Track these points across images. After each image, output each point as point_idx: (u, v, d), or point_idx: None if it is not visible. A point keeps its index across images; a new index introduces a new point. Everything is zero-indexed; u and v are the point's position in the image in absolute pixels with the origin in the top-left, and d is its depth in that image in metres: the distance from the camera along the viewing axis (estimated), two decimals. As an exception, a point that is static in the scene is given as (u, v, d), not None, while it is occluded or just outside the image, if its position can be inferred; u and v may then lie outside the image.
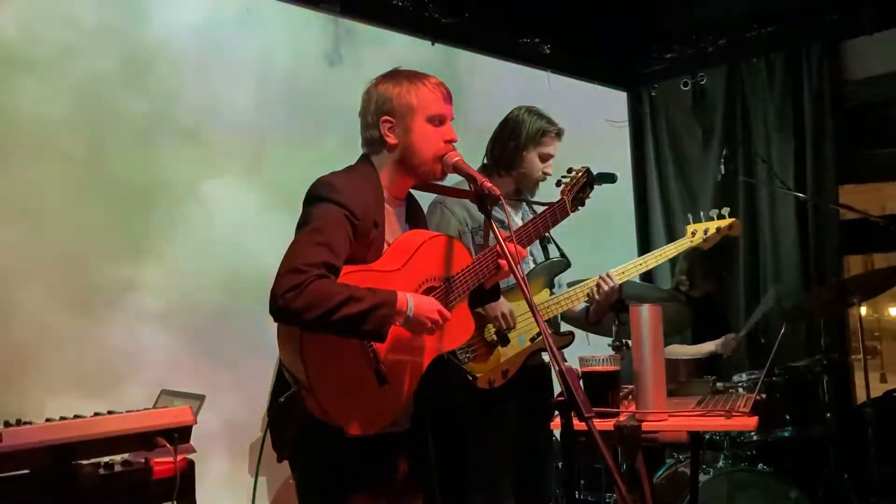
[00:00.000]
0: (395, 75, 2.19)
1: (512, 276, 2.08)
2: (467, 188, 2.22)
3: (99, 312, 3.09)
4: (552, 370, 3.08)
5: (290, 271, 1.89)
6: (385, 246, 2.14)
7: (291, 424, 2.01)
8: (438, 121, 2.18)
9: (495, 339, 2.83)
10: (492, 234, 2.08)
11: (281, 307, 1.86)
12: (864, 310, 4.33)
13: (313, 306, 1.86)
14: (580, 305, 3.02)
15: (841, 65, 4.68)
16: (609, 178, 2.72)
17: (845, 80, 4.67)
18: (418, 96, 2.15)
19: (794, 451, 3.92)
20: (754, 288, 4.90)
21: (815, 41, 4.66)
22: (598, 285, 2.92)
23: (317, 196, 2.05)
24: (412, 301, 2.00)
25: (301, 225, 2.04)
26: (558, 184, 2.63)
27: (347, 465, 2.05)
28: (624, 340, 3.26)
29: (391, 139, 2.15)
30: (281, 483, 3.42)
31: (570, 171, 2.65)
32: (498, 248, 2.09)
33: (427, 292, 2.14)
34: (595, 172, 2.70)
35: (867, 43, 4.57)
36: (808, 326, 4.52)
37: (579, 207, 2.63)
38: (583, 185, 2.62)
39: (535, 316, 1.88)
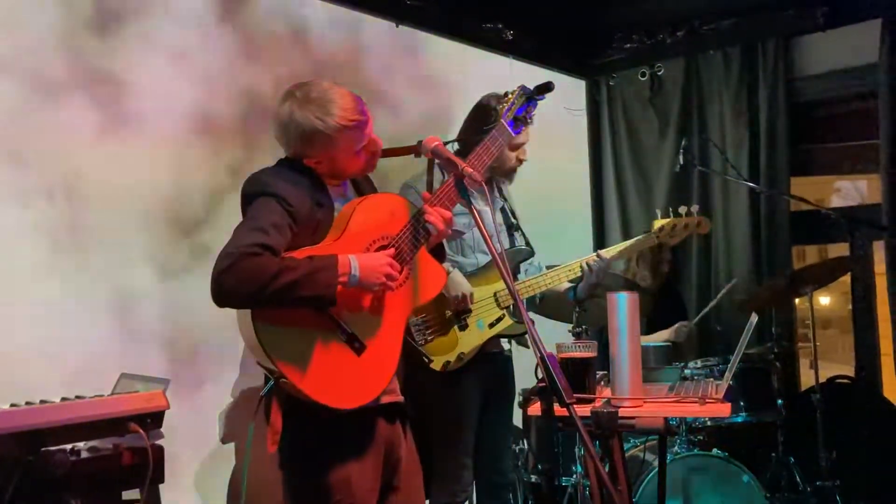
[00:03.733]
0: (313, 108, 2.10)
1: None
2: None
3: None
4: (513, 357, 3.14)
5: (222, 257, 1.91)
6: None
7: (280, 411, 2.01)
8: (364, 147, 2.17)
9: (453, 320, 2.84)
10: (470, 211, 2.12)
11: (216, 290, 1.89)
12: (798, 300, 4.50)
13: (247, 281, 1.87)
14: (564, 285, 3.06)
15: (794, 60, 4.79)
16: (545, 87, 2.62)
17: (798, 76, 4.79)
18: (342, 142, 2.11)
19: (743, 436, 4.04)
20: (706, 277, 5.00)
21: (771, 36, 4.76)
22: (589, 264, 2.98)
23: (248, 194, 2.08)
24: (356, 261, 2.00)
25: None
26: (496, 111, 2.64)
27: (338, 431, 2.06)
28: (584, 327, 3.31)
29: (319, 168, 2.16)
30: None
31: (505, 94, 2.61)
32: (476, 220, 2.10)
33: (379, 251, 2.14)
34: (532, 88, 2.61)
35: (820, 40, 4.70)
36: (759, 315, 4.64)
37: (524, 126, 2.60)
38: (523, 105, 2.55)
39: (515, 300, 1.94)
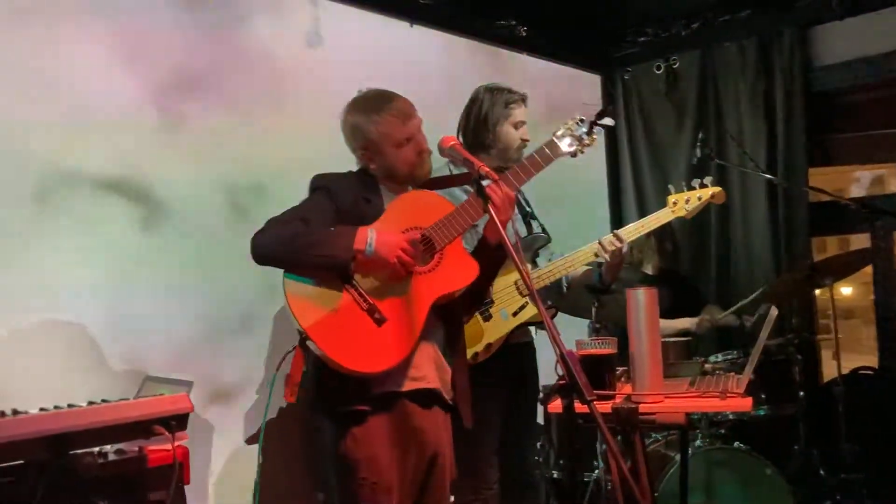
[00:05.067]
0: (361, 106, 2.42)
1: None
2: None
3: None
4: (534, 346, 3.14)
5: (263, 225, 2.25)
6: None
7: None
8: (406, 140, 2.39)
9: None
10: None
11: (252, 248, 2.22)
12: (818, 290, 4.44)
13: (275, 240, 2.20)
14: (580, 269, 3.06)
15: (811, 50, 4.73)
16: (603, 114, 2.69)
17: (815, 66, 4.73)
18: (381, 129, 2.36)
19: (764, 429, 4.01)
20: (725, 269, 4.96)
21: (787, 26, 4.71)
22: (604, 246, 2.97)
23: (309, 191, 2.39)
24: (373, 233, 2.20)
25: None
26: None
27: (364, 409, 2.23)
28: (602, 323, 3.30)
29: (372, 166, 2.42)
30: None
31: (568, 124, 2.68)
32: (493, 220, 2.17)
33: None
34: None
35: (837, 29, 4.63)
36: (779, 307, 4.60)
37: (581, 150, 2.64)
38: (583, 131, 2.64)
39: (529, 290, 1.98)
